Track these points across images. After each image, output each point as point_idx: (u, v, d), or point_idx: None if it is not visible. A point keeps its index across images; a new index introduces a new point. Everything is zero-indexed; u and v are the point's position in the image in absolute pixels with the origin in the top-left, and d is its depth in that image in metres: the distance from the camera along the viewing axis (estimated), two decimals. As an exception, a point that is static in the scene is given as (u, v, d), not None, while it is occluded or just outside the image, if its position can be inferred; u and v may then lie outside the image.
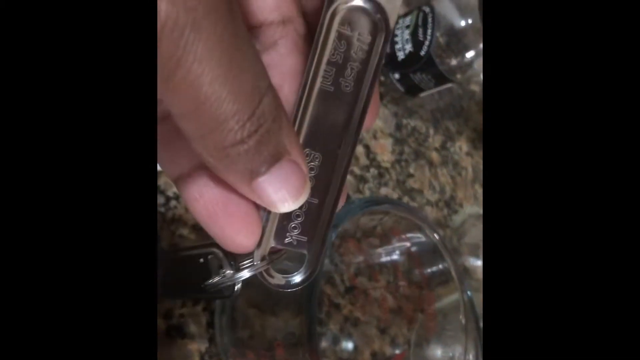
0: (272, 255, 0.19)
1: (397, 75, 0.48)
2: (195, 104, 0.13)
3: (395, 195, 0.49)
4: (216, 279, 0.20)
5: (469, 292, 0.39)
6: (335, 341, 0.43)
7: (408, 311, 0.45)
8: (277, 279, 0.19)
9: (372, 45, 0.18)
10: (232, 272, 0.20)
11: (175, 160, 0.18)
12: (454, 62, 0.46)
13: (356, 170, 0.47)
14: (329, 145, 0.18)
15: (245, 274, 0.19)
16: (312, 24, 0.18)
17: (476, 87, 0.62)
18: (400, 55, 0.46)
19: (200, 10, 0.12)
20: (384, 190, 0.48)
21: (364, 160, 0.47)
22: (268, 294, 0.38)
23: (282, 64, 0.18)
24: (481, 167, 0.59)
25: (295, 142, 0.16)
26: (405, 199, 0.50)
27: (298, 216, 0.19)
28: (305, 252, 0.19)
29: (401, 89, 0.49)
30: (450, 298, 0.41)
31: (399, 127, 0.51)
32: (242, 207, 0.17)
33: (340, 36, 0.17)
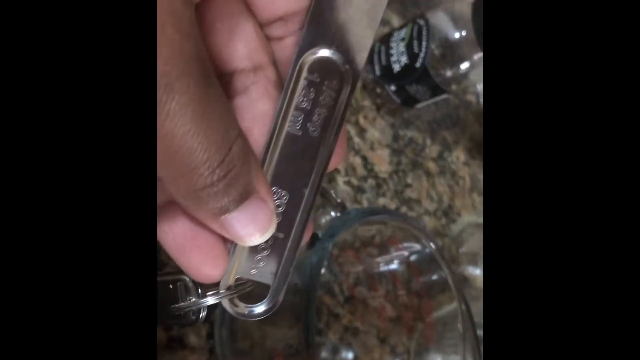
0: (238, 286, 0.20)
1: (393, 87, 0.49)
2: (168, 153, 0.15)
3: (393, 206, 0.49)
4: (182, 304, 0.21)
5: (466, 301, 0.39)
6: (335, 351, 0.43)
7: (407, 320, 0.45)
8: (240, 308, 0.20)
9: (339, 93, 0.19)
10: (197, 299, 0.21)
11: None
12: (449, 73, 0.46)
13: (354, 180, 0.47)
14: (296, 184, 0.19)
15: (210, 300, 0.20)
16: (283, 71, 0.19)
17: (472, 98, 0.62)
18: (396, 68, 0.47)
19: (173, 74, 0.14)
20: (382, 201, 0.49)
21: (361, 171, 0.48)
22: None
23: (252, 108, 0.19)
24: (478, 176, 0.59)
25: (263, 182, 0.17)
26: (404, 209, 0.50)
27: (264, 249, 0.20)
28: (269, 283, 0.20)
29: (397, 100, 0.49)
30: (448, 307, 0.41)
31: (396, 138, 0.52)
32: (209, 241, 0.19)
33: (309, 84, 0.18)
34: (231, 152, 0.16)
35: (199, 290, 0.21)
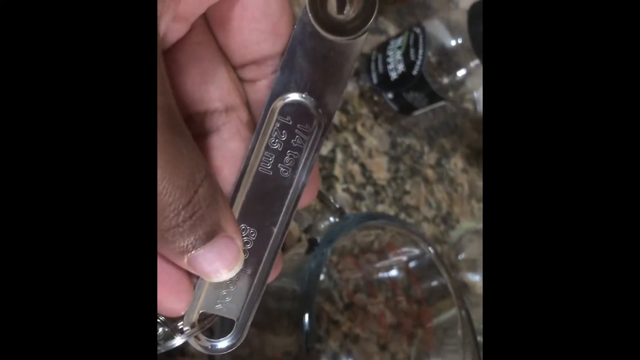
0: (202, 322, 0.20)
1: (390, 95, 0.49)
2: None
3: (392, 212, 0.50)
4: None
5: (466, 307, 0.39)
6: (335, 358, 0.43)
7: (407, 327, 0.45)
8: (203, 342, 0.21)
9: (311, 135, 0.19)
10: (167, 332, 0.21)
11: None
12: (445, 80, 0.47)
13: (352, 188, 0.47)
14: (265, 222, 0.19)
15: (178, 341, 0.20)
16: (255, 113, 0.20)
17: (469, 105, 0.63)
18: (393, 75, 0.47)
19: None
20: (380, 208, 0.49)
21: (360, 179, 0.48)
22: (267, 312, 0.38)
23: (223, 148, 0.19)
24: (477, 183, 0.59)
25: (231, 220, 0.18)
26: (402, 216, 0.50)
27: (230, 284, 0.20)
28: (234, 319, 0.20)
29: (395, 107, 0.50)
30: (448, 313, 0.41)
31: (393, 145, 0.52)
32: (173, 276, 0.19)
33: (281, 126, 0.19)
34: (197, 195, 0.16)
35: (160, 319, 0.21)
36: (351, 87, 0.50)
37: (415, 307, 0.43)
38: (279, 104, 0.19)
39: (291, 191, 0.19)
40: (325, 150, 0.47)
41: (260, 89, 0.19)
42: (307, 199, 0.20)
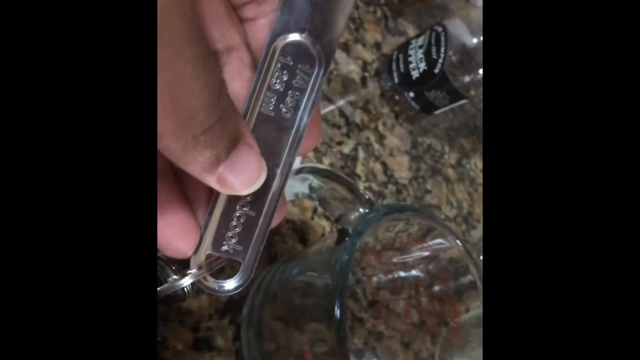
0: (212, 263, 0.21)
1: (411, 94, 0.49)
2: (171, 101, 0.15)
3: (413, 211, 0.50)
4: (163, 286, 0.22)
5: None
6: (359, 356, 0.43)
7: (431, 324, 0.45)
8: (210, 283, 0.21)
9: (312, 76, 0.19)
10: (177, 277, 0.22)
11: None
12: (467, 78, 0.47)
13: (374, 186, 0.47)
14: (268, 163, 0.19)
15: (187, 280, 0.21)
16: (256, 53, 0.20)
17: (488, 106, 0.63)
18: (415, 74, 0.48)
19: (173, 22, 0.14)
20: (402, 206, 0.49)
21: (381, 177, 0.48)
22: (292, 308, 0.38)
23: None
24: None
25: (247, 129, 0.18)
26: (424, 215, 0.50)
27: (235, 226, 0.20)
28: (240, 260, 0.20)
29: (416, 106, 0.50)
30: (473, 311, 0.41)
31: (414, 144, 0.52)
32: (180, 216, 0.19)
33: (282, 67, 0.19)
34: (222, 95, 0.16)
35: (173, 267, 0.22)
36: (372, 87, 0.51)
37: (440, 304, 0.43)
38: (279, 44, 0.19)
39: (293, 132, 0.20)
40: (347, 148, 0.47)
41: (260, 28, 0.19)
42: (310, 142, 0.21)
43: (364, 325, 0.44)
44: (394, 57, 0.50)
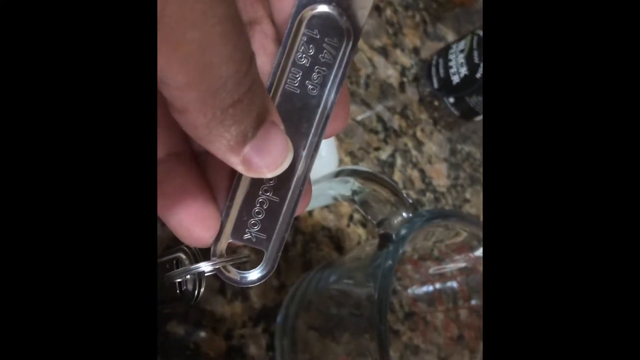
0: (234, 255, 0.19)
1: (451, 100, 0.48)
2: (200, 68, 0.14)
3: (452, 221, 0.48)
4: (175, 270, 0.20)
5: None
6: (395, 369, 0.42)
7: (470, 339, 0.43)
8: (233, 274, 0.19)
9: (339, 50, 0.18)
10: (190, 266, 0.20)
11: None
12: (510, 84, 0.45)
13: (412, 194, 0.46)
14: (293, 144, 0.18)
15: (203, 267, 0.19)
16: (280, 27, 0.18)
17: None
18: (455, 79, 0.46)
19: None
20: (440, 215, 0.47)
21: (419, 185, 0.47)
22: (328, 316, 0.37)
23: None
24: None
25: (273, 105, 0.17)
26: (462, 225, 0.49)
27: (258, 213, 0.19)
28: (263, 249, 0.19)
29: (456, 113, 0.49)
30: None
31: (453, 152, 0.51)
32: (200, 201, 0.18)
33: (308, 40, 0.18)
34: (252, 63, 0.15)
35: (186, 249, 0.20)
36: (411, 92, 0.49)
37: (479, 317, 0.41)
38: (306, 15, 0.17)
39: (319, 110, 0.18)
40: (384, 154, 0.46)
41: (284, 0, 0.18)
42: (338, 123, 0.19)
43: (400, 337, 0.42)
44: (434, 62, 0.49)
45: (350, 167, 0.42)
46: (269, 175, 0.17)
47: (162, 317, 0.33)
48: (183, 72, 0.14)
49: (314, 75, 0.18)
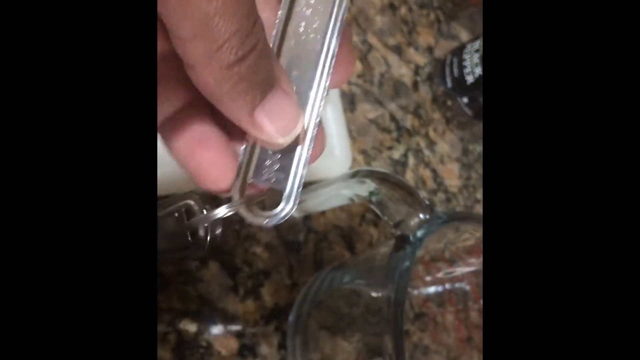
0: (253, 197, 0.20)
1: (465, 99, 0.47)
2: (205, 20, 0.14)
3: (463, 221, 0.48)
4: (198, 217, 0.20)
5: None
6: (405, 369, 0.42)
7: (479, 341, 0.43)
8: (258, 215, 0.20)
9: None
10: (209, 213, 0.20)
11: (160, 105, 0.19)
12: (524, 85, 0.45)
13: (424, 194, 0.46)
14: (301, 88, 0.19)
15: (223, 210, 0.19)
16: None
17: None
18: (470, 79, 0.46)
19: None
20: (452, 216, 0.47)
21: (431, 184, 0.47)
22: (340, 316, 0.37)
23: None
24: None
25: (282, 72, 0.18)
26: (474, 225, 0.48)
27: (275, 153, 0.19)
28: (282, 189, 0.20)
29: (469, 113, 0.48)
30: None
31: (465, 152, 0.51)
32: (217, 145, 0.19)
33: None
34: (256, 25, 0.16)
35: (204, 212, 0.20)
36: (424, 91, 0.49)
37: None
38: None
39: (322, 56, 0.19)
40: (397, 154, 0.45)
41: None
42: (343, 70, 0.20)
43: (410, 338, 0.42)
44: (448, 61, 0.48)
45: (367, 168, 0.42)
46: (282, 141, 0.18)
47: (175, 261, 0.32)
48: (187, 24, 0.14)
49: (316, 25, 0.19)
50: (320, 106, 0.20)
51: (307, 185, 0.34)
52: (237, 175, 0.19)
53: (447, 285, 0.42)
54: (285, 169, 0.20)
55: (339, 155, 0.40)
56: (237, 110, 0.17)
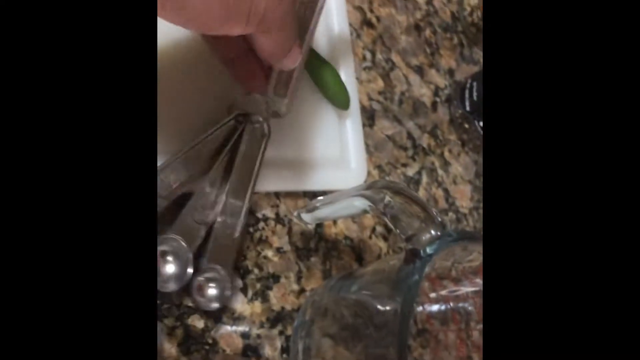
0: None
1: (482, 124, 0.48)
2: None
3: (471, 243, 0.48)
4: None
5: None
6: (404, 384, 0.42)
7: (480, 362, 0.43)
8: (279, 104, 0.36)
9: None
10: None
11: (227, 50, 0.34)
12: (542, 113, 0.46)
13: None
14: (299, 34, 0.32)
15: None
16: None
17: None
18: (488, 103, 0.47)
19: None
20: (461, 236, 0.48)
21: (442, 204, 0.47)
22: (344, 325, 0.38)
23: None
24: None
25: (297, 33, 0.31)
26: (481, 248, 0.49)
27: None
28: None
29: (485, 136, 0.49)
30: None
31: (478, 175, 0.51)
32: (254, 64, 0.34)
33: None
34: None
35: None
36: (442, 113, 0.50)
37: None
38: None
39: (313, 20, 0.36)
40: (411, 171, 0.46)
41: None
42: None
43: (411, 353, 0.42)
44: (468, 85, 0.49)
45: (383, 180, 0.43)
46: (290, 66, 0.32)
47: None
48: None
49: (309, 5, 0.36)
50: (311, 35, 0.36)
51: (323, 195, 0.35)
52: (269, 83, 0.36)
53: (452, 304, 0.43)
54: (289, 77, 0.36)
55: (355, 169, 0.41)
56: (277, 59, 0.31)
